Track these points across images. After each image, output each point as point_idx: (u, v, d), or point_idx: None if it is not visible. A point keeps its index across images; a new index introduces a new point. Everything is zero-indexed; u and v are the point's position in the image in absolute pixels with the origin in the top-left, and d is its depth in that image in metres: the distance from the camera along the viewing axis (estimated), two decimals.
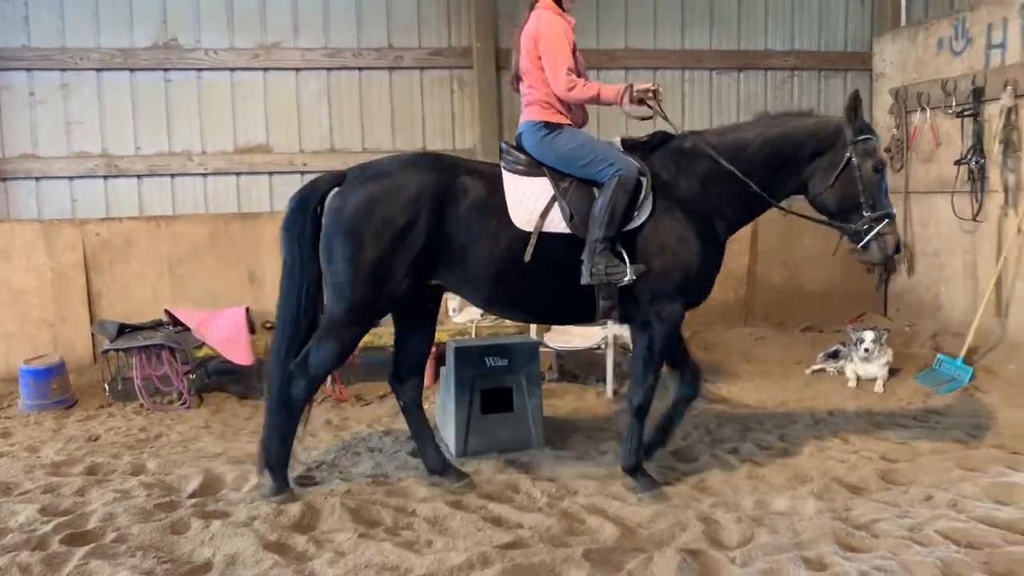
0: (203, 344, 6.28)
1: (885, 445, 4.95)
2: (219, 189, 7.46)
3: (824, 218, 4.40)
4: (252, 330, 6.42)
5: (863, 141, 4.16)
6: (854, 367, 6.51)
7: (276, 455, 4.23)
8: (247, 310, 6.49)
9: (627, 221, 4.10)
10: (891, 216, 4.21)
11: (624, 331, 6.56)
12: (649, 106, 4.30)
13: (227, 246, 7.28)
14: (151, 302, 6.95)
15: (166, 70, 7.28)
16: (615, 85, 4.28)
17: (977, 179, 6.99)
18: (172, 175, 7.37)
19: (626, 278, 4.03)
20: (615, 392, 6.25)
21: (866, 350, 6.37)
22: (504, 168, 4.31)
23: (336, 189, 4.22)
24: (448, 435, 5.05)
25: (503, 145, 4.43)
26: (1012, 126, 6.63)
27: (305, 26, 7.48)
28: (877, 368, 6.40)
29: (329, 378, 6.27)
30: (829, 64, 8.54)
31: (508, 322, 6.68)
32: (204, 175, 7.41)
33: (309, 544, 3.66)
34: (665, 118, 4.35)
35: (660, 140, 4.36)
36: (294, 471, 4.40)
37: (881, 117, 8.18)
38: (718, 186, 4.25)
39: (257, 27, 7.38)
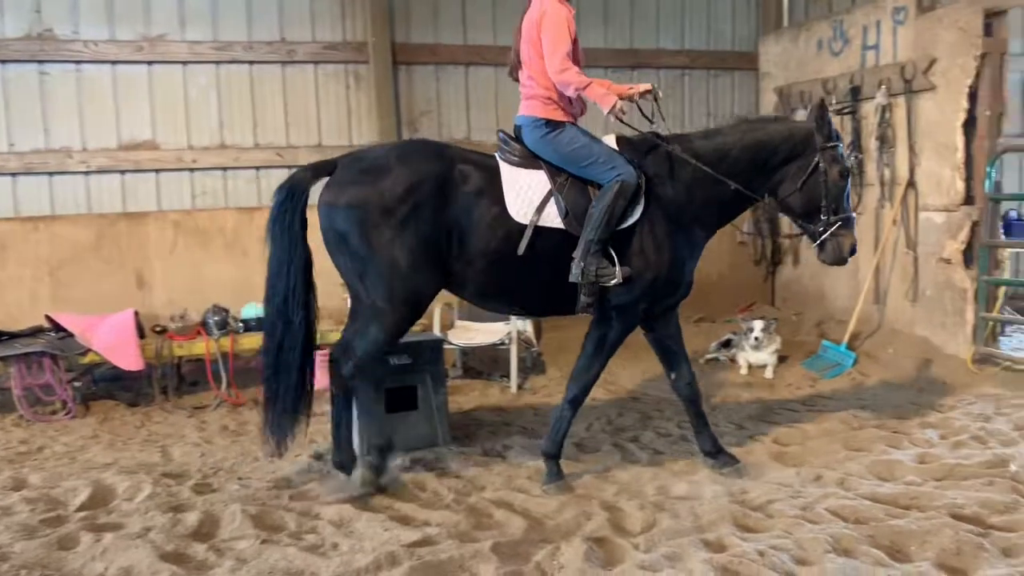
0: (89, 350, 5.99)
1: (777, 429, 5.16)
2: (103, 188, 7.09)
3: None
4: (141, 334, 6.18)
5: (831, 148, 4.33)
6: (745, 355, 6.77)
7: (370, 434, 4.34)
8: (135, 314, 6.23)
9: (620, 224, 4.16)
10: (850, 220, 4.39)
11: (527, 326, 6.63)
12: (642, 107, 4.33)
13: (112, 247, 6.98)
14: (29, 308, 6.59)
15: (41, 62, 6.87)
16: (605, 82, 4.31)
17: (856, 173, 7.36)
18: (50, 173, 6.95)
19: (614, 280, 4.10)
20: (519, 387, 6.29)
21: (756, 339, 6.64)
22: (500, 159, 4.29)
23: (326, 179, 4.15)
24: (353, 435, 4.96)
25: (500, 135, 4.40)
26: (887, 123, 7.01)
27: (192, 18, 7.18)
28: (767, 355, 6.68)
29: (224, 381, 6.12)
30: (718, 63, 8.83)
31: None
32: (86, 173, 7.04)
33: (209, 553, 3.54)
34: (662, 119, 4.37)
35: (652, 143, 4.38)
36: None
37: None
38: (702, 191, 4.33)
39: (140, 18, 7.05)
